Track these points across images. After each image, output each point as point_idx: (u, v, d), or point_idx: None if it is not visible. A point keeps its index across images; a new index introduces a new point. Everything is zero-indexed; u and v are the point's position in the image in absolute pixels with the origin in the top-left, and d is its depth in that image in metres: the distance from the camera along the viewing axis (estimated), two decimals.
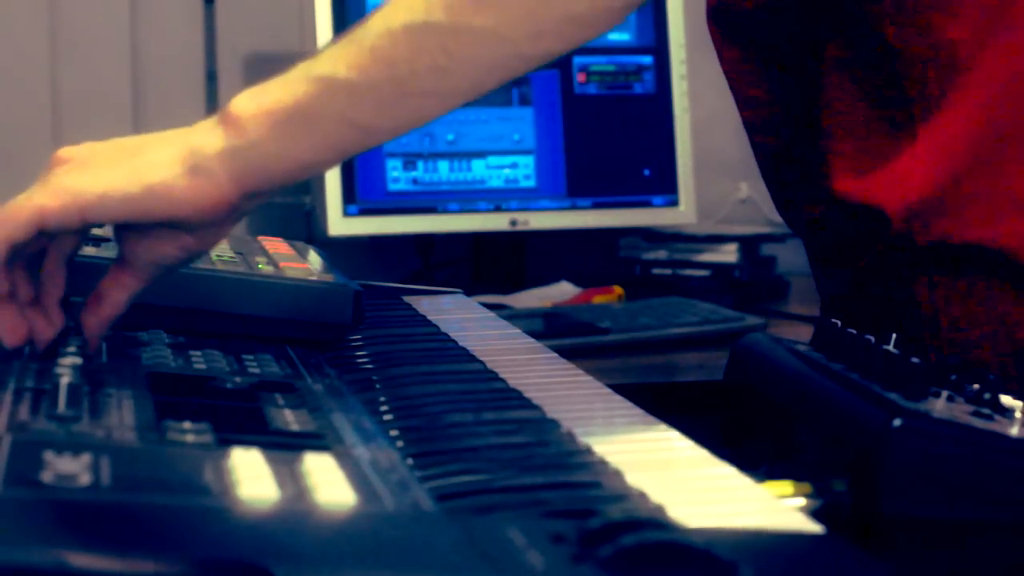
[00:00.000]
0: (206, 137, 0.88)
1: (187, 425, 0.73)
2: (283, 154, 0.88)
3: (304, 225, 2.06)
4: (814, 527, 0.67)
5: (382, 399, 0.88)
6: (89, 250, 1.00)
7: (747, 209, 2.25)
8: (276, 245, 1.23)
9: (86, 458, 0.64)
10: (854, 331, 0.97)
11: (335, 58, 0.89)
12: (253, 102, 0.88)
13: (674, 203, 2.03)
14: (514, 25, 0.89)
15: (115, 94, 2.08)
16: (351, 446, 0.75)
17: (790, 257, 2.04)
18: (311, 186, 2.02)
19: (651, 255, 2.06)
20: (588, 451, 0.78)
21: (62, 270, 0.90)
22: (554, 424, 0.84)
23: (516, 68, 0.91)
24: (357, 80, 0.88)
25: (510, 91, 2.01)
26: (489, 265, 2.06)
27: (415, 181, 1.98)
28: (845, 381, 0.89)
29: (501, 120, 2.01)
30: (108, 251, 1.01)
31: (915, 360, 0.85)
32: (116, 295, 0.91)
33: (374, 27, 0.89)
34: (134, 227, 0.89)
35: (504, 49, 0.89)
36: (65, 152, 0.88)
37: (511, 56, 0.90)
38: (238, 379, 0.88)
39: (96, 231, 1.00)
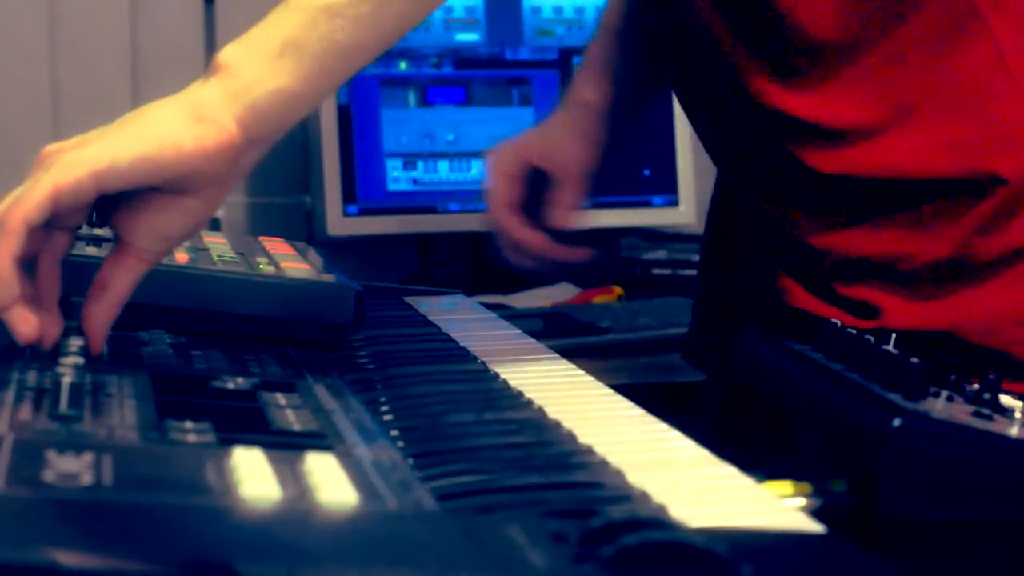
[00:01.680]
0: (204, 89, 0.90)
1: (189, 425, 0.73)
2: (280, 88, 0.90)
3: (304, 225, 2.06)
4: (814, 527, 0.67)
5: (383, 399, 0.88)
6: (90, 250, 1.00)
7: None
8: (277, 245, 1.24)
9: (88, 457, 0.64)
10: (854, 331, 0.97)
11: None
12: (241, 47, 0.91)
13: (674, 203, 2.03)
14: None
15: (115, 94, 2.08)
16: (352, 446, 0.75)
17: None
18: (311, 186, 2.02)
19: (651, 255, 2.06)
20: (589, 451, 0.78)
21: (58, 270, 0.89)
22: (555, 424, 0.84)
23: None
24: (335, 2, 0.92)
25: (510, 91, 2.01)
26: (489, 265, 2.06)
27: (415, 181, 1.98)
28: (845, 381, 0.89)
29: (501, 120, 2.01)
30: (108, 251, 1.01)
31: (915, 360, 0.85)
32: (121, 281, 0.90)
33: None
34: (132, 204, 0.89)
35: None
36: (53, 146, 0.88)
37: None
38: (239, 379, 0.88)
39: (96, 231, 1.00)
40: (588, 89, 1.35)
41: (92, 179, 0.85)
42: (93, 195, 0.86)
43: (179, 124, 0.88)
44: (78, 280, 0.91)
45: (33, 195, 0.84)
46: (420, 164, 1.98)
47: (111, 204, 0.89)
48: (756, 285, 1.20)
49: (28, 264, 0.88)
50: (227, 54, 0.91)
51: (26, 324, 0.85)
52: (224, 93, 0.89)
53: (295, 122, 0.93)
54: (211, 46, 2.12)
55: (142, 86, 2.10)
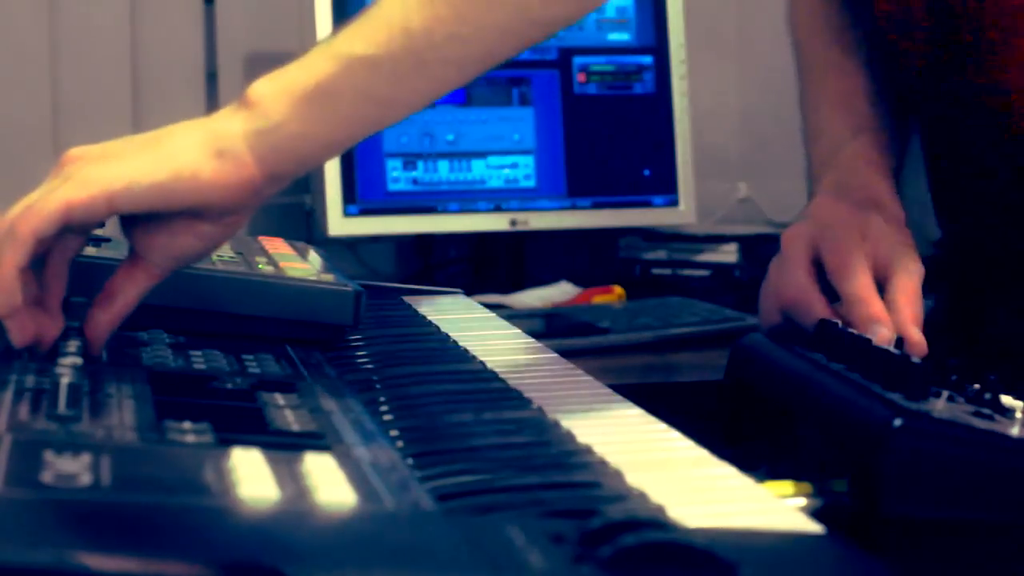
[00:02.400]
0: (229, 122, 0.88)
1: (187, 425, 0.73)
2: (307, 133, 0.89)
3: (304, 225, 2.06)
4: (814, 527, 0.67)
5: (382, 399, 0.88)
6: (90, 250, 1.00)
7: (747, 209, 2.25)
8: (276, 245, 1.23)
9: (86, 458, 0.64)
10: (854, 331, 0.97)
11: (352, 35, 0.91)
12: (273, 84, 0.89)
13: (674, 203, 2.03)
14: None
15: (115, 94, 2.08)
16: (351, 446, 0.75)
17: None
18: (311, 186, 2.02)
19: (651, 255, 2.06)
20: (588, 451, 0.78)
21: (65, 271, 0.90)
22: (554, 424, 0.84)
23: (528, 34, 0.93)
24: (375, 54, 0.89)
25: (510, 91, 2.01)
26: (489, 265, 2.06)
27: (415, 181, 1.98)
28: (845, 381, 0.89)
29: (501, 120, 2.00)
30: (108, 251, 1.01)
31: (915, 360, 0.85)
32: (129, 292, 0.90)
33: (388, 2, 0.90)
34: (149, 221, 0.89)
35: (517, 13, 0.91)
36: (76, 151, 0.88)
37: (523, 21, 0.92)
38: (238, 379, 0.88)
39: (96, 231, 1.00)
40: (896, 205, 1.17)
41: (106, 200, 0.85)
42: (105, 215, 0.86)
43: (199, 155, 0.87)
44: (76, 279, 0.91)
45: (45, 207, 0.84)
46: (420, 164, 1.98)
47: (130, 217, 0.89)
48: (1007, 336, 1.18)
49: (36, 262, 0.88)
50: (258, 89, 0.89)
51: (24, 332, 0.86)
52: (248, 130, 0.88)
53: (319, 164, 0.92)
54: (211, 46, 2.12)
55: (142, 86, 2.10)
